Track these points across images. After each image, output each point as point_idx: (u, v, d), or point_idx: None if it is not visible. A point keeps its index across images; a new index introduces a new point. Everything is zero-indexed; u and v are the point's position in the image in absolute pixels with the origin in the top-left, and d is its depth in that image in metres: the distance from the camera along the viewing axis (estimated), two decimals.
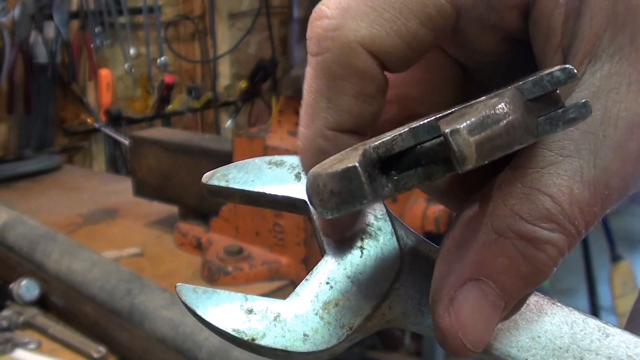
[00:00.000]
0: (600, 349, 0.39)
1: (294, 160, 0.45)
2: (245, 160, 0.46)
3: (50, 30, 3.77)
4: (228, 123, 4.69)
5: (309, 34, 0.38)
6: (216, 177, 0.46)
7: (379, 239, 0.43)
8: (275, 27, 4.80)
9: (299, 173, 0.45)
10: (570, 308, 0.41)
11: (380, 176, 0.34)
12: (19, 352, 1.71)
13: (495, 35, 0.40)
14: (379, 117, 0.39)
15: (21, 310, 1.84)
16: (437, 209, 2.03)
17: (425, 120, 0.34)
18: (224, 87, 4.70)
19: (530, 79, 0.34)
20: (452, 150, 0.32)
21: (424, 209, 2.09)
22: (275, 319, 0.40)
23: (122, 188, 2.88)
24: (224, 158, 2.14)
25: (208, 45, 4.68)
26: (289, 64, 4.86)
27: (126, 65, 4.14)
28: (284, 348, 0.40)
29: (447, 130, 0.32)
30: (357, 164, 0.33)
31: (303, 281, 0.42)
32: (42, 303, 1.87)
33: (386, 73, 0.42)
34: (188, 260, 2.26)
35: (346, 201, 0.33)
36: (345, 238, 0.43)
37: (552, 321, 0.40)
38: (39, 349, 1.73)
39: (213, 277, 2.08)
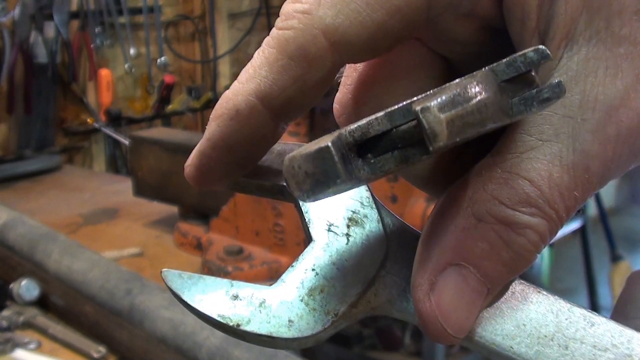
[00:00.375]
0: (585, 337, 0.39)
1: (282, 147, 0.45)
2: None
3: (50, 30, 3.78)
4: None
5: (280, 11, 0.38)
6: None
7: (365, 226, 0.43)
8: None
9: None
10: (556, 297, 0.41)
11: (356, 159, 0.34)
12: (19, 352, 1.71)
13: (471, 24, 0.40)
14: (302, 112, 0.39)
15: (21, 310, 1.83)
16: None
17: (401, 104, 0.34)
18: (224, 87, 4.69)
19: (504, 60, 0.34)
20: (423, 127, 0.32)
21: (424, 208, 2.09)
22: (260, 305, 0.40)
23: (122, 188, 2.88)
24: None
25: (208, 45, 4.68)
26: None
27: (126, 65, 4.15)
28: (268, 334, 0.40)
29: (418, 108, 0.32)
30: (329, 144, 0.33)
31: (289, 268, 0.42)
32: (42, 303, 1.86)
33: (364, 70, 0.42)
34: (188, 260, 2.25)
35: (320, 182, 0.33)
36: (329, 224, 0.43)
37: (537, 309, 0.40)
38: (39, 349, 1.72)
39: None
